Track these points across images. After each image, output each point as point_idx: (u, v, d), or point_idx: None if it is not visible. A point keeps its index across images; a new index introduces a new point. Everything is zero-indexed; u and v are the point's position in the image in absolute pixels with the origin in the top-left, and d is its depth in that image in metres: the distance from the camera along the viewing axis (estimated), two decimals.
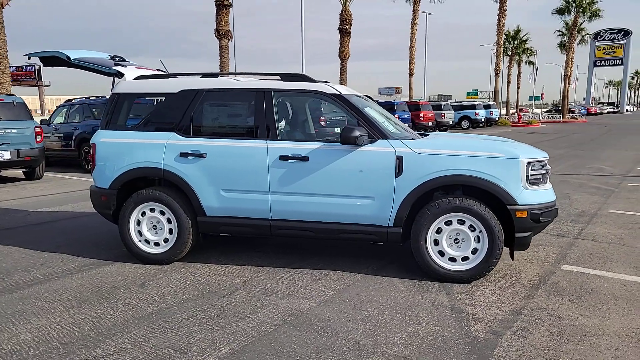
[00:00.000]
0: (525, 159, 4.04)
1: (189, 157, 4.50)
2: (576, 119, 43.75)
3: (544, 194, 4.13)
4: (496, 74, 37.56)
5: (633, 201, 7.63)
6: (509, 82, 46.99)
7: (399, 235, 4.24)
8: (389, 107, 21.76)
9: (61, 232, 6.06)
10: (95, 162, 4.81)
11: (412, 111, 23.44)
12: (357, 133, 4.11)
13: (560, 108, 48.32)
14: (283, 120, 4.77)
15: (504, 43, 40.37)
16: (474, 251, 4.11)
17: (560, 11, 39.64)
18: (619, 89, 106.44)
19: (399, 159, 4.12)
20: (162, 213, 4.66)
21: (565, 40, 43.66)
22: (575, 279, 4.25)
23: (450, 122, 28.13)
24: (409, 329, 3.34)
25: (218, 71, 4.88)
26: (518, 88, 54.35)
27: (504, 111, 42.50)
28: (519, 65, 51.60)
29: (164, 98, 4.75)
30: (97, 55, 5.31)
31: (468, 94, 52.57)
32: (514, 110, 52.75)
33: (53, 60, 5.33)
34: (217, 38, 22.25)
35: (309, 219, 4.37)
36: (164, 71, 5.67)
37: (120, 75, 5.07)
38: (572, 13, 39.00)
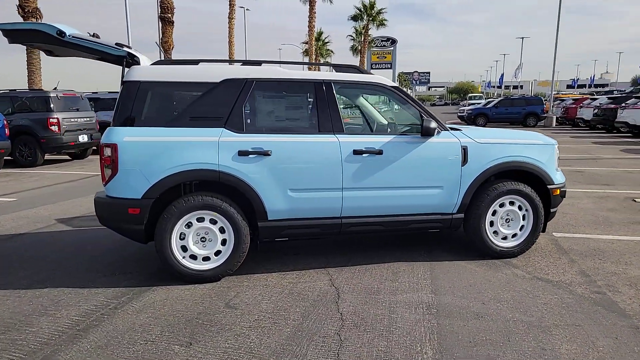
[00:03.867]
0: (555, 144, 4.74)
1: (250, 156, 3.98)
2: None
3: (562, 174, 4.90)
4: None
5: None
6: None
7: (461, 221, 4.52)
8: None
9: (18, 258, 4.62)
10: (117, 168, 3.85)
11: None
12: (434, 125, 4.25)
13: None
14: (345, 113, 4.55)
15: (306, 43, 43.16)
16: (522, 228, 4.66)
17: (355, 18, 44.27)
18: None
19: (464, 149, 4.39)
20: (213, 222, 4.03)
21: (356, 45, 48.87)
22: (576, 242, 5.14)
23: None
24: (538, 301, 3.68)
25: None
26: None
27: None
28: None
29: (199, 88, 4.07)
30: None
31: None
32: None
33: (30, 36, 3.98)
34: (22, 16, 18.68)
35: (381, 213, 4.32)
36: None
37: (132, 59, 4.11)
38: (364, 20, 43.97)
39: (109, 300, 3.72)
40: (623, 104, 21.08)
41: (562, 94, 41.93)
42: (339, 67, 4.45)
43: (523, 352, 2.92)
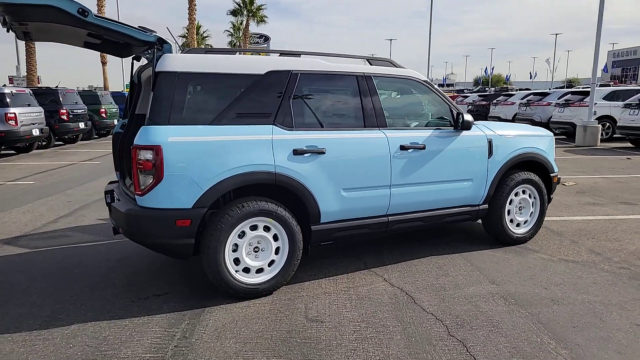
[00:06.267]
0: (553, 135, 5.13)
1: (305, 155, 3.67)
2: None
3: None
4: None
5: None
6: None
7: (485, 211, 4.67)
8: (122, 97, 19.66)
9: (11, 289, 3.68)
10: (162, 174, 3.27)
11: None
12: (471, 118, 4.33)
13: None
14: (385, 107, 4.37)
15: (186, 36, 41.15)
16: (531, 215, 4.96)
17: (234, 12, 43.31)
18: None
19: (490, 142, 4.54)
20: (267, 229, 3.65)
21: (234, 40, 47.93)
22: (560, 225, 5.63)
23: None
24: (587, 281, 3.95)
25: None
26: None
27: None
28: None
29: (243, 81, 3.64)
30: None
31: (127, 86, 51.55)
32: None
33: (39, 13, 3.09)
34: None
35: (422, 208, 4.29)
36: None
37: (161, 45, 3.48)
38: (244, 16, 43.24)
39: (168, 329, 3.15)
40: (494, 101, 23.70)
41: None
42: (374, 60, 4.30)
43: (625, 330, 3.11)
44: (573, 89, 20.71)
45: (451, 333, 3.08)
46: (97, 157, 12.72)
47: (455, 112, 4.38)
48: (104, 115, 18.00)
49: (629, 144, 14.67)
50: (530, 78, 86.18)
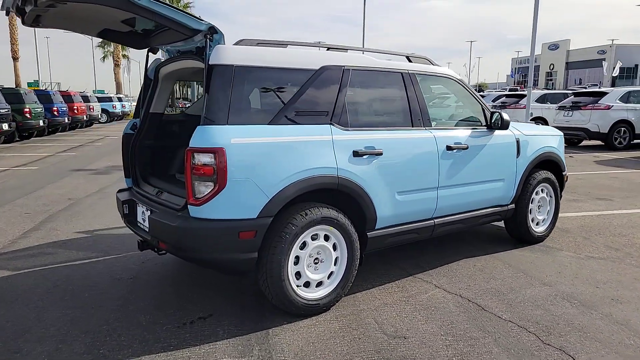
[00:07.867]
0: (562, 134, 5.23)
1: (364, 157, 3.40)
2: None
3: None
4: (116, 65, 36.19)
5: None
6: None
7: (512, 212, 4.64)
8: (46, 96, 17.96)
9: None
10: (225, 180, 2.84)
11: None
12: (508, 117, 4.26)
13: None
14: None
15: None
16: (548, 213, 5.02)
17: None
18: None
19: (517, 141, 4.52)
20: (326, 238, 3.33)
21: None
22: (563, 223, 5.75)
23: (99, 116, 25.40)
24: (627, 277, 4.00)
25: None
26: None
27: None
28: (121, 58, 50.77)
29: (299, 76, 3.29)
30: None
31: (29, 84, 48.36)
32: None
33: None
34: None
35: (463, 209, 4.16)
36: None
37: (211, 35, 3.02)
38: None
39: (241, 358, 2.74)
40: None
41: None
42: (413, 57, 4.11)
43: None
44: (507, 92, 21.92)
45: (545, 341, 2.95)
46: (31, 162, 11.43)
47: (489, 112, 4.31)
48: (28, 115, 16.30)
49: None
50: None
